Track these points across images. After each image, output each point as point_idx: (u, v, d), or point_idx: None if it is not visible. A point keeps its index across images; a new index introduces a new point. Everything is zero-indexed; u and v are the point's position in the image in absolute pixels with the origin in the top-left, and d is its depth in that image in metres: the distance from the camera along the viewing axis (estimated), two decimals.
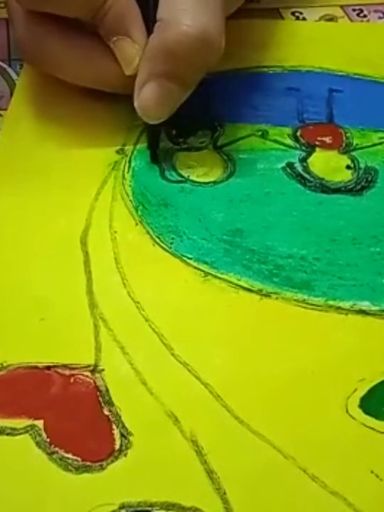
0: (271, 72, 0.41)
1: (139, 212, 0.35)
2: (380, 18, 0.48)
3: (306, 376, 0.30)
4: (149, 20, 0.36)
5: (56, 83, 0.40)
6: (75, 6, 0.36)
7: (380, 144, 0.39)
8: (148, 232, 0.34)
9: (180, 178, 0.37)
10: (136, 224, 0.35)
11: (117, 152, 0.38)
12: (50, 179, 0.37)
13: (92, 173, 0.37)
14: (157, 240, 0.34)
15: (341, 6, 0.48)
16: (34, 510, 0.26)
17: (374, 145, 0.39)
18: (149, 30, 0.36)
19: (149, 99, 0.35)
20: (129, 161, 0.37)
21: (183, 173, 0.37)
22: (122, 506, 0.26)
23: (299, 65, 0.43)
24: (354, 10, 0.48)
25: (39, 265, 0.33)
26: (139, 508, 0.26)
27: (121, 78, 0.36)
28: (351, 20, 0.47)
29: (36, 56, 0.38)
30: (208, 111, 0.40)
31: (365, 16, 0.48)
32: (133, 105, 0.36)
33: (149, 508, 0.26)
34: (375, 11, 0.48)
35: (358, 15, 0.48)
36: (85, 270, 0.33)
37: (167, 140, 0.38)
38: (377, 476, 0.27)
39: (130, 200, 0.36)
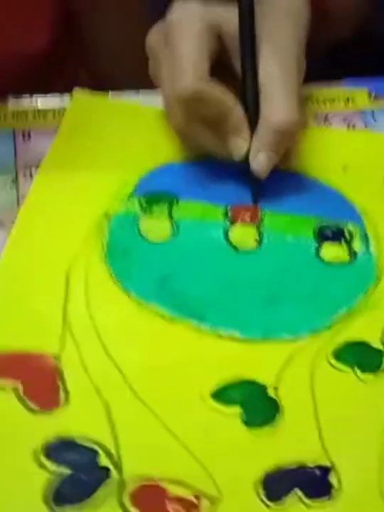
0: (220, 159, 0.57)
1: (109, 260, 0.53)
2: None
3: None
4: (252, 116, 0.55)
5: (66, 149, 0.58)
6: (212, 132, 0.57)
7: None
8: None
9: (141, 237, 0.55)
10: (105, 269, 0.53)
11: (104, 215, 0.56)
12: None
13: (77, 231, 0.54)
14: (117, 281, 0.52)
15: None
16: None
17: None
18: (252, 123, 0.55)
19: (263, 164, 0.55)
20: (110, 222, 0.55)
21: (143, 233, 0.55)
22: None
23: None
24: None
25: None
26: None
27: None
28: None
29: (191, 141, 0.58)
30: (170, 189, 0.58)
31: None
32: (121, 179, 0.56)
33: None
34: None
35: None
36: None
37: (138, 208, 0.56)
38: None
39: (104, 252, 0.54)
